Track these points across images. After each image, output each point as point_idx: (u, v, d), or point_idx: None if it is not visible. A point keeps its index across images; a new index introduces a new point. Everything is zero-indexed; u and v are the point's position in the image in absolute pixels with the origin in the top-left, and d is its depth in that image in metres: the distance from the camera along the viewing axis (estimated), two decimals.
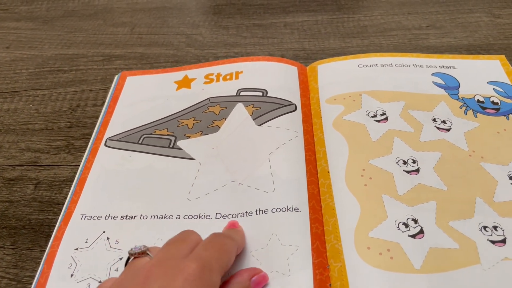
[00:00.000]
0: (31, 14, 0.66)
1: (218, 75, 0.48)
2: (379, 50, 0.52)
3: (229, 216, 0.35)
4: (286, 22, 0.59)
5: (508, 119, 0.41)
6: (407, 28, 0.55)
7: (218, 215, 0.35)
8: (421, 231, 0.32)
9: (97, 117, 0.47)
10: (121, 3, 0.67)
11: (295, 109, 0.43)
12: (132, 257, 0.28)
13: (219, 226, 0.34)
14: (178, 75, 0.49)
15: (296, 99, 0.44)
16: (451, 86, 0.44)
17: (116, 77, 0.50)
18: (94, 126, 0.46)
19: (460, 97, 0.43)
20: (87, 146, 0.44)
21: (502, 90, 0.44)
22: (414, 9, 0.59)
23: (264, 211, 0.34)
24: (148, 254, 0.28)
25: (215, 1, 0.65)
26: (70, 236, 0.34)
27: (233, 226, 0.34)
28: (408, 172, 0.37)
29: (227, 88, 0.46)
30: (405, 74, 0.45)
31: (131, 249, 0.28)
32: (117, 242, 0.34)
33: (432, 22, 0.56)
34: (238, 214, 0.35)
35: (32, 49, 0.59)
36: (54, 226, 0.37)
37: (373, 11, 0.59)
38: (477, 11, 0.57)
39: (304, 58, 0.52)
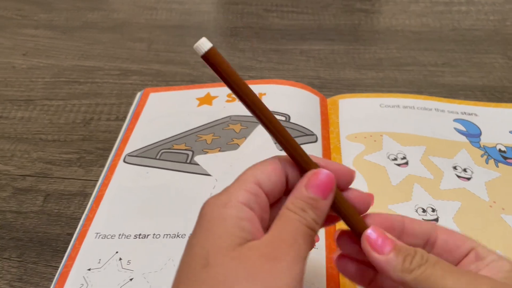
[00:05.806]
0: (50, 22, 0.67)
1: None
2: (394, 84, 0.53)
3: None
4: (302, 49, 0.60)
5: None
6: (423, 64, 0.56)
7: None
8: None
9: (110, 132, 0.47)
10: (140, 18, 0.68)
11: (316, 140, 0.42)
12: None
13: None
14: (201, 92, 0.50)
15: (317, 130, 0.43)
16: (472, 134, 0.44)
17: (138, 93, 0.51)
18: (107, 140, 0.46)
19: (482, 146, 0.42)
20: (98, 160, 0.44)
21: None
22: (431, 46, 0.59)
23: None
24: None
25: (232, 23, 0.66)
26: (84, 256, 0.34)
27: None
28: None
29: None
30: (427, 117, 0.45)
31: None
32: (128, 263, 0.33)
33: (448, 60, 0.56)
34: None
35: (49, 58, 0.59)
36: (61, 240, 0.37)
37: (389, 44, 0.60)
38: (492, 52, 0.58)
39: (319, 86, 0.53)
